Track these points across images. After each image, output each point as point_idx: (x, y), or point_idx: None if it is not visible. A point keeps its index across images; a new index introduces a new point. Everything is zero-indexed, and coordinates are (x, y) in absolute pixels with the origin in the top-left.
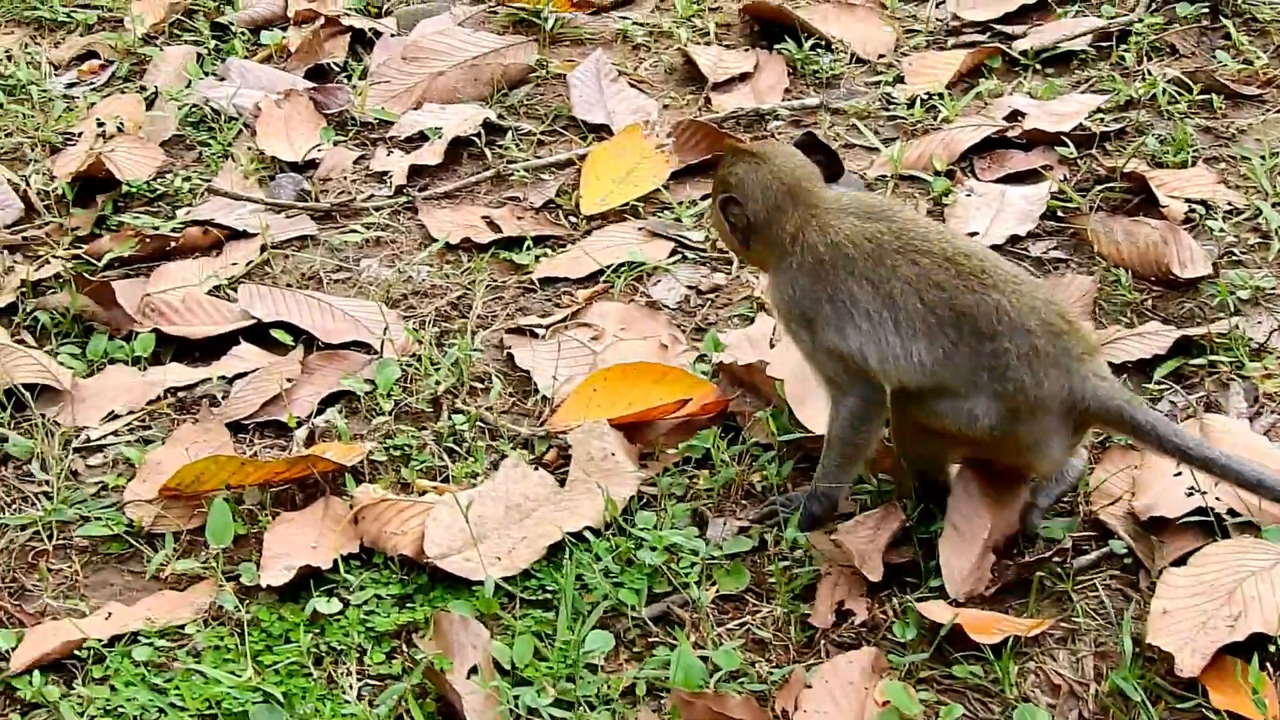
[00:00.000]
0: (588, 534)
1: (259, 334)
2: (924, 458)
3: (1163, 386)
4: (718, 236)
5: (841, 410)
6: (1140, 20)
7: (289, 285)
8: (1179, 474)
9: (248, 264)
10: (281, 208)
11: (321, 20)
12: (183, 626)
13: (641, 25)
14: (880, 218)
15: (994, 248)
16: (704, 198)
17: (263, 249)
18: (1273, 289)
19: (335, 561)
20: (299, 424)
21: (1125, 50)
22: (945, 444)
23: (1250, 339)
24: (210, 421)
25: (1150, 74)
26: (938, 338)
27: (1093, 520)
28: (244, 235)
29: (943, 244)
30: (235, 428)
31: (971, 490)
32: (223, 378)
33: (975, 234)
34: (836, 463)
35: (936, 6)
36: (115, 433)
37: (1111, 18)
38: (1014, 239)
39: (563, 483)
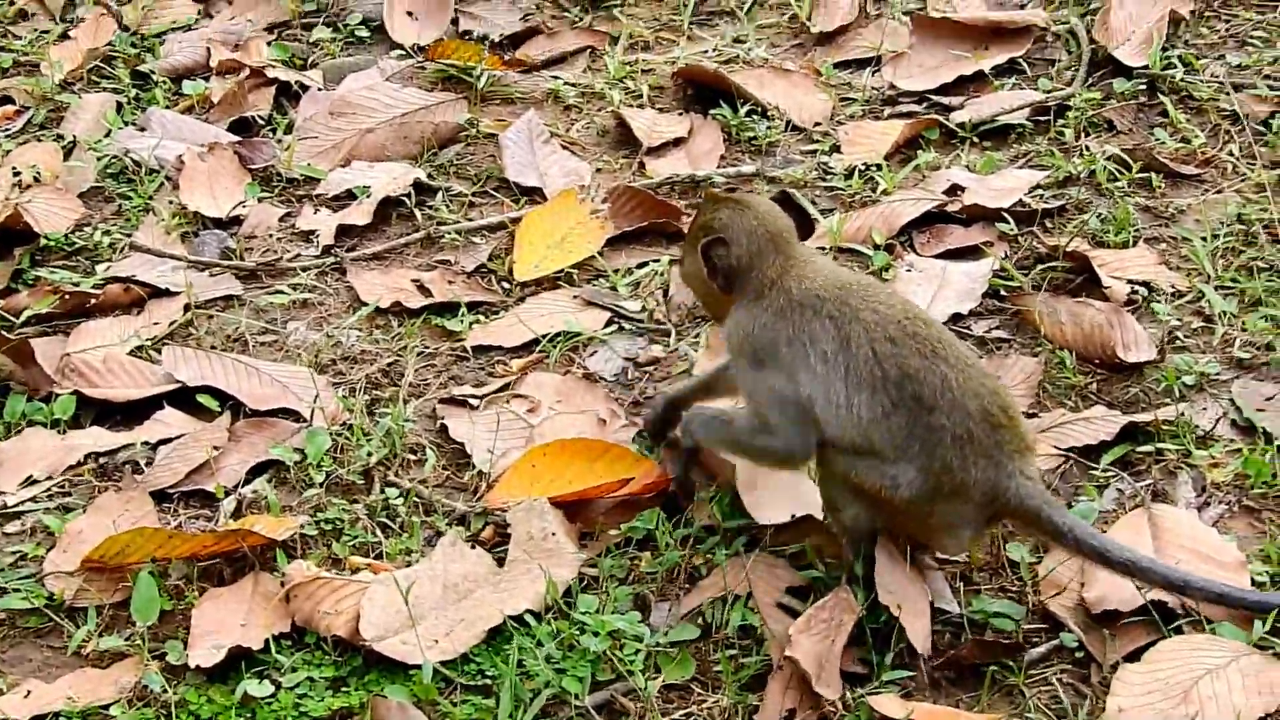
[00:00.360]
0: (528, 617)
1: (183, 398)
2: (852, 519)
3: (1109, 474)
4: (683, 282)
5: (761, 439)
6: (1077, 95)
7: (214, 347)
8: None
9: (171, 324)
10: (205, 266)
11: (246, 71)
12: (106, 707)
13: (573, 85)
14: (849, 274)
15: None
16: (640, 266)
17: (186, 308)
18: (1217, 374)
19: (266, 641)
20: (226, 494)
21: (1063, 125)
22: (868, 505)
23: (1197, 426)
24: (134, 490)
25: (1089, 150)
26: (879, 393)
27: (1042, 610)
28: (166, 293)
29: (905, 307)
30: (159, 496)
31: (895, 557)
32: (146, 443)
33: None
34: (722, 443)
35: (872, 75)
36: (34, 499)
37: (1048, 91)
38: (956, 317)
39: (501, 562)
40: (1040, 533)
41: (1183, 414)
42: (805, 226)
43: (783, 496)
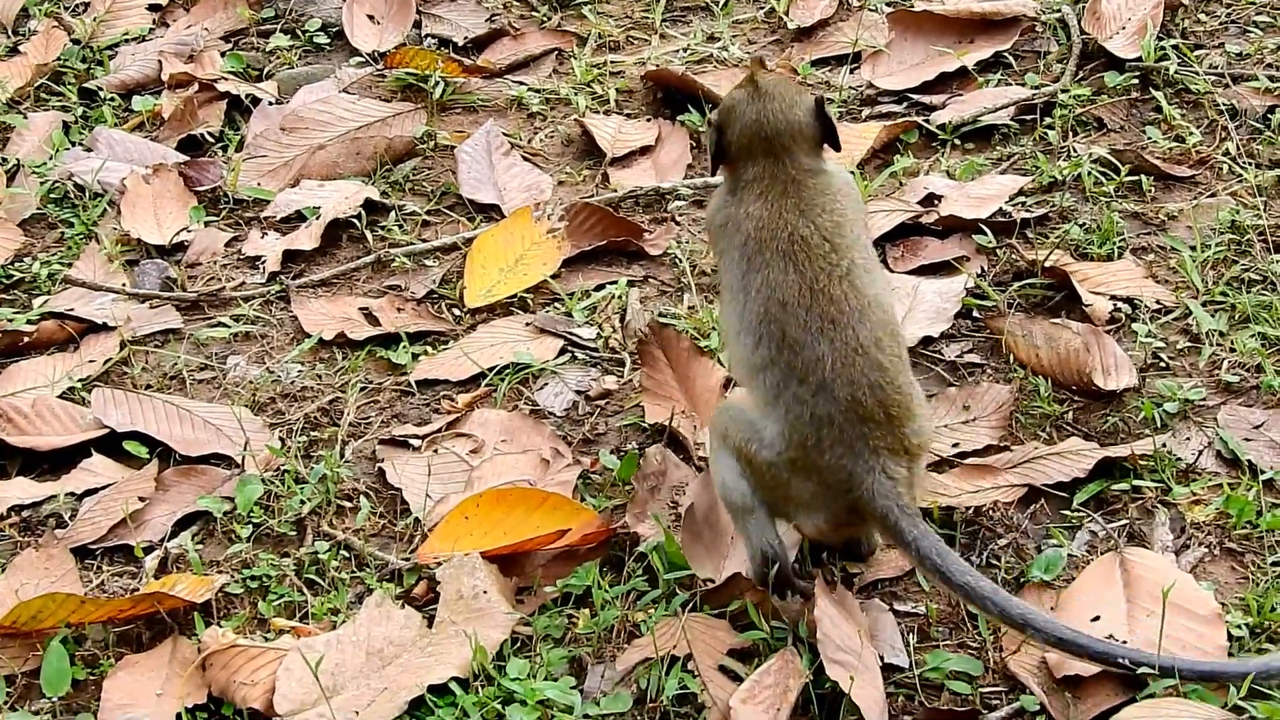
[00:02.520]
0: (454, 685)
1: (113, 443)
2: (721, 487)
3: (1082, 514)
4: None
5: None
6: (1066, 91)
7: (149, 386)
8: (1097, 619)
9: (106, 362)
10: (145, 298)
11: (196, 86)
12: None
13: (538, 91)
14: (807, 214)
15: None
16: (597, 288)
17: (122, 345)
18: (1202, 401)
19: (179, 715)
20: (149, 551)
21: (1050, 124)
22: (736, 468)
23: (1178, 458)
24: (54, 547)
25: (1075, 152)
26: (762, 345)
27: (1003, 668)
28: (104, 328)
29: (835, 276)
30: (82, 553)
31: (844, 606)
32: (71, 494)
33: None
34: None
35: (850, 73)
36: None
37: (1036, 87)
38: (927, 340)
39: (431, 621)
40: (890, 537)
41: (1163, 446)
42: (831, 142)
43: (725, 546)
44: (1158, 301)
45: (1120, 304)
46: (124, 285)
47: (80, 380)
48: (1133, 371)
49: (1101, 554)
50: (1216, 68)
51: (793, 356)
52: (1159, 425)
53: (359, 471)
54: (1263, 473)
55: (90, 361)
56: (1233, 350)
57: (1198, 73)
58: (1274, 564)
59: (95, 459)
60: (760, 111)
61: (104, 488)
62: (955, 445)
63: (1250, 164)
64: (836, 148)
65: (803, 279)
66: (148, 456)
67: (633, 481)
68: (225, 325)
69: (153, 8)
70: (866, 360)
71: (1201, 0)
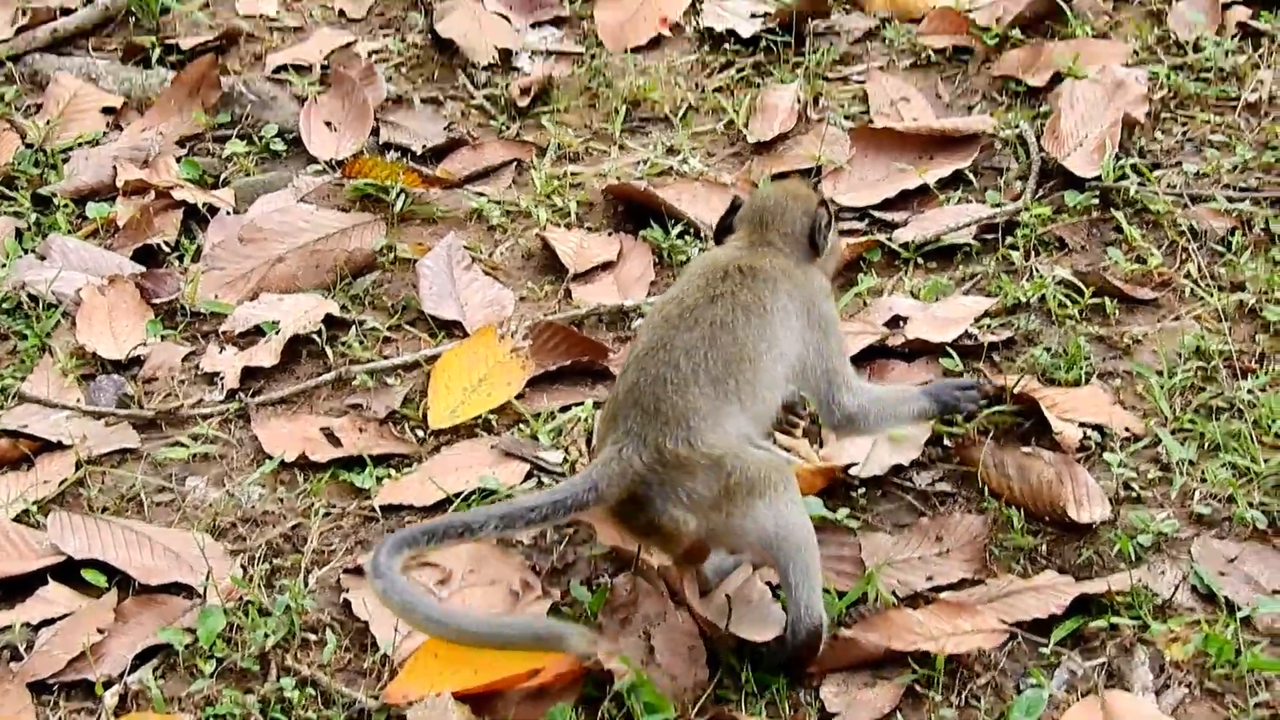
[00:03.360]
0: None
1: (70, 570)
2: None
3: (1060, 653)
4: None
5: None
6: (1027, 210)
7: (106, 509)
8: None
9: (61, 483)
10: (100, 415)
11: (152, 194)
12: None
13: (498, 203)
14: (712, 299)
15: (875, 479)
16: (563, 409)
17: (78, 465)
18: (1176, 533)
19: None
20: (108, 686)
21: (1012, 244)
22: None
23: (1154, 593)
24: (9, 681)
25: (1039, 273)
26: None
27: None
28: (59, 446)
29: (692, 344)
30: (39, 687)
31: None
32: (28, 625)
33: (854, 464)
34: None
35: (814, 189)
36: None
37: (997, 205)
38: (897, 469)
39: None
40: None
41: (1139, 581)
42: (815, 251)
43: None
44: (1127, 429)
45: (1090, 431)
46: (79, 401)
47: (35, 502)
48: (1105, 502)
49: (1082, 694)
50: (1175, 187)
51: (629, 388)
52: (1134, 559)
53: (324, 602)
54: (1239, 609)
55: (45, 482)
56: (1204, 480)
57: (1157, 193)
58: (1256, 705)
59: (52, 587)
60: (765, 200)
61: (61, 617)
62: (929, 578)
63: (1213, 287)
64: (815, 251)
65: (662, 339)
66: (106, 585)
67: (600, 616)
68: (183, 445)
69: (107, 110)
70: (680, 447)
71: (1158, 119)
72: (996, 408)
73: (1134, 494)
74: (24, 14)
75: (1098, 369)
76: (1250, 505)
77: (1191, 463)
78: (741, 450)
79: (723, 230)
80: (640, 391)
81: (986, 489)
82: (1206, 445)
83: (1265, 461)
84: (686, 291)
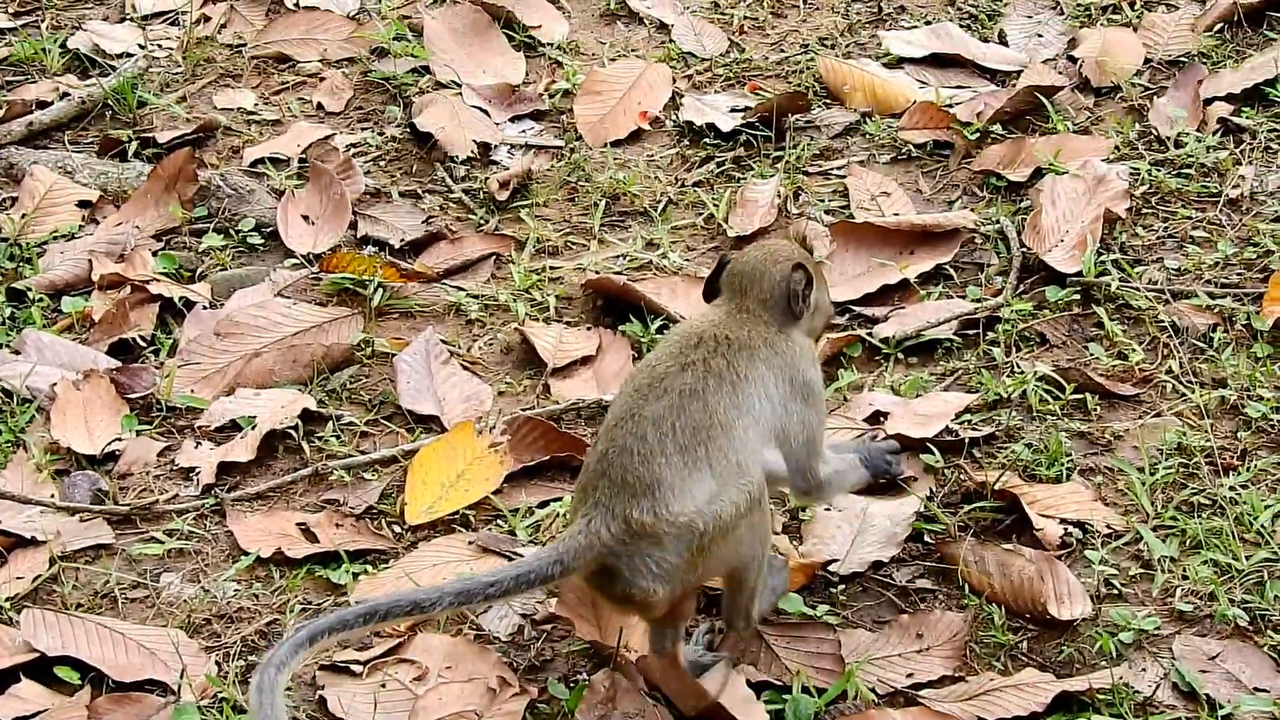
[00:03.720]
0: None
1: (44, 667)
2: None
3: None
4: None
5: None
6: (1008, 305)
7: (79, 605)
8: None
9: (35, 579)
10: (75, 511)
11: (128, 289)
12: None
13: (476, 297)
14: (683, 367)
15: (855, 575)
16: (541, 505)
17: (52, 561)
18: (1157, 630)
19: None
20: None
21: (993, 339)
22: None
23: (1135, 691)
24: None
25: (1020, 369)
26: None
27: None
28: (32, 542)
29: (659, 413)
30: None
31: None
32: None
33: (834, 560)
34: None
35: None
36: None
37: (977, 301)
38: (877, 565)
39: None
40: None
41: (1120, 679)
42: (791, 315)
43: None
44: (1108, 526)
45: (1071, 528)
46: (53, 497)
47: (8, 599)
48: (1087, 600)
49: None
50: (1156, 283)
51: (602, 454)
52: (1115, 656)
53: (299, 699)
54: (1221, 707)
55: (18, 578)
56: (1185, 578)
57: (1139, 289)
58: None
59: (25, 684)
60: (749, 264)
61: (34, 715)
62: (909, 675)
63: (1194, 383)
64: (793, 316)
65: (632, 407)
66: (79, 683)
67: (578, 714)
68: (158, 540)
69: (83, 204)
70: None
71: (1139, 214)
72: (976, 503)
73: (1115, 591)
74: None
75: (1079, 465)
76: (1232, 603)
77: (1173, 560)
78: (714, 502)
79: (711, 291)
80: (608, 463)
81: (967, 586)
82: (1188, 542)
83: (1247, 559)
84: (659, 360)
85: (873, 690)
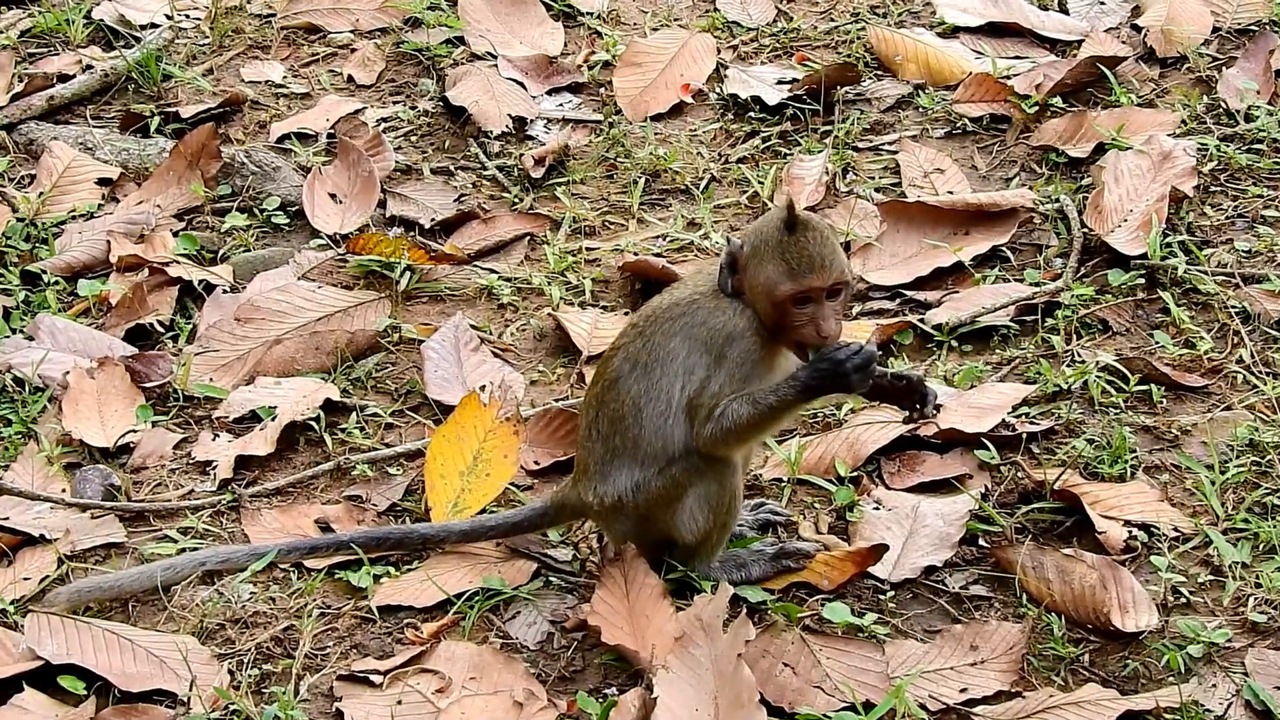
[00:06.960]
0: None
1: (48, 676)
2: None
3: None
4: None
5: None
6: (1068, 290)
7: (87, 610)
8: None
9: (42, 580)
10: (85, 507)
11: (146, 271)
12: None
13: (509, 280)
14: (616, 349)
15: (906, 582)
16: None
17: (60, 561)
18: (1228, 643)
19: None
20: None
21: (1052, 326)
22: None
23: (1205, 709)
24: None
25: (1080, 358)
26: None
27: None
28: (40, 540)
29: (590, 400)
30: None
31: None
32: None
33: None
34: None
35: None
36: None
37: (1036, 285)
38: (930, 570)
39: None
40: None
41: (1189, 697)
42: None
43: None
44: (1175, 529)
45: (1136, 531)
46: (63, 492)
47: (13, 601)
48: (1152, 609)
49: None
50: (1225, 266)
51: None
52: (1183, 671)
53: (316, 711)
54: None
55: (25, 579)
56: (1259, 585)
57: (1206, 272)
58: None
59: (27, 694)
60: (758, 234)
61: None
62: (963, 690)
63: (1266, 374)
64: (724, 290)
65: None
66: (84, 693)
67: None
68: (172, 539)
69: (103, 181)
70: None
71: (1207, 193)
72: (1034, 504)
73: (1183, 600)
74: (20, 80)
75: (1144, 462)
76: None
77: (1245, 566)
78: (641, 486)
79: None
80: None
81: (1024, 593)
82: (1262, 547)
83: None
84: (616, 340)
85: (923, 706)
